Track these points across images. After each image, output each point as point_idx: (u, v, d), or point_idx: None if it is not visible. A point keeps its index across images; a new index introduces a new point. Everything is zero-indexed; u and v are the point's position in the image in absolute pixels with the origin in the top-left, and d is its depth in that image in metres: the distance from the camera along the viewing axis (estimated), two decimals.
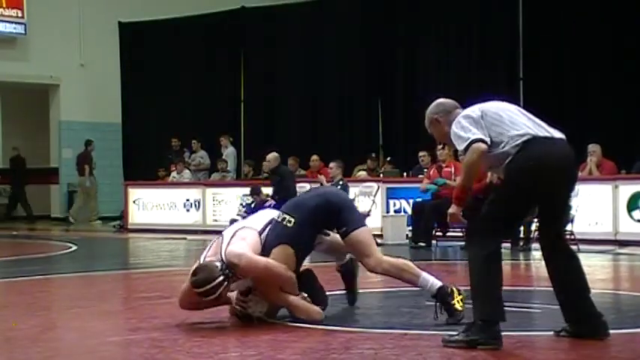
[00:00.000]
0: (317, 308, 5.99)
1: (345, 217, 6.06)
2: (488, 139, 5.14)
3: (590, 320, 5.29)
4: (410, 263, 6.17)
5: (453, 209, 5.31)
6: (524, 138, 5.15)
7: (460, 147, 5.25)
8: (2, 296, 8.13)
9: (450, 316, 5.85)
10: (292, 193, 13.50)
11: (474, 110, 5.32)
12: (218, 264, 5.77)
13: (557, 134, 5.26)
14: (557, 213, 5.41)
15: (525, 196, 5.17)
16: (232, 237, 5.96)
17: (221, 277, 5.68)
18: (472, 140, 5.13)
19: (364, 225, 6.14)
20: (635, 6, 15.69)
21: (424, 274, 6.05)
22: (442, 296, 5.91)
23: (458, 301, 5.88)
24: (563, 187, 5.28)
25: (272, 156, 15.43)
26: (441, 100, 5.63)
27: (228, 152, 19.36)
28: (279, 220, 6.05)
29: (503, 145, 5.15)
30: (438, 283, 5.99)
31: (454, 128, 5.27)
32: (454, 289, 5.95)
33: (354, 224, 6.05)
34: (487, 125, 5.19)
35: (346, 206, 6.17)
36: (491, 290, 5.09)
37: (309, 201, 6.20)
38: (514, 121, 5.24)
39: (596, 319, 5.30)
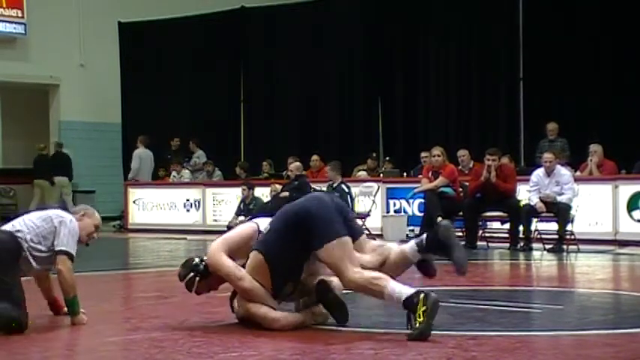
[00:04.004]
0: (294, 317, 5.72)
1: (314, 232, 5.46)
2: None
3: None
4: (382, 276, 5.49)
5: None
6: None
7: None
8: None
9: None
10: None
11: None
12: (197, 259, 5.95)
13: None
14: None
15: None
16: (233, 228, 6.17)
17: (191, 274, 5.90)
18: None
19: (335, 237, 5.46)
20: (635, 5, 15.70)
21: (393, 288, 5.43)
22: (408, 306, 5.35)
23: (419, 314, 5.25)
24: None
25: (295, 166, 15.43)
26: None
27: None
28: (267, 225, 5.81)
29: None
30: (408, 292, 5.36)
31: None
32: (420, 299, 5.27)
33: (321, 239, 5.45)
34: None
35: (321, 218, 5.48)
36: None
37: (291, 207, 5.74)
38: None
39: None
